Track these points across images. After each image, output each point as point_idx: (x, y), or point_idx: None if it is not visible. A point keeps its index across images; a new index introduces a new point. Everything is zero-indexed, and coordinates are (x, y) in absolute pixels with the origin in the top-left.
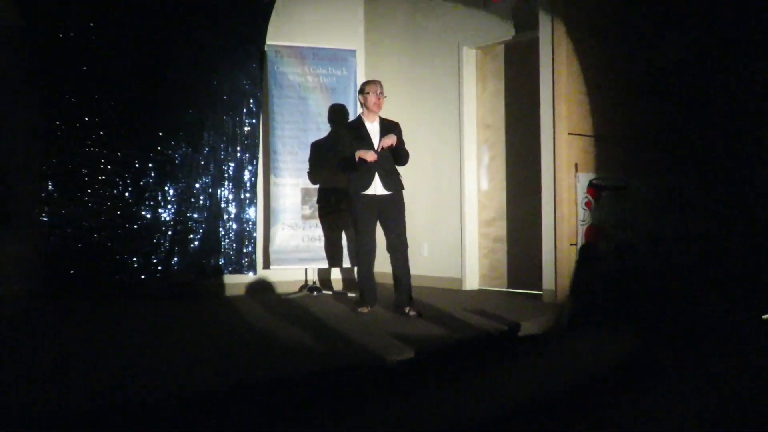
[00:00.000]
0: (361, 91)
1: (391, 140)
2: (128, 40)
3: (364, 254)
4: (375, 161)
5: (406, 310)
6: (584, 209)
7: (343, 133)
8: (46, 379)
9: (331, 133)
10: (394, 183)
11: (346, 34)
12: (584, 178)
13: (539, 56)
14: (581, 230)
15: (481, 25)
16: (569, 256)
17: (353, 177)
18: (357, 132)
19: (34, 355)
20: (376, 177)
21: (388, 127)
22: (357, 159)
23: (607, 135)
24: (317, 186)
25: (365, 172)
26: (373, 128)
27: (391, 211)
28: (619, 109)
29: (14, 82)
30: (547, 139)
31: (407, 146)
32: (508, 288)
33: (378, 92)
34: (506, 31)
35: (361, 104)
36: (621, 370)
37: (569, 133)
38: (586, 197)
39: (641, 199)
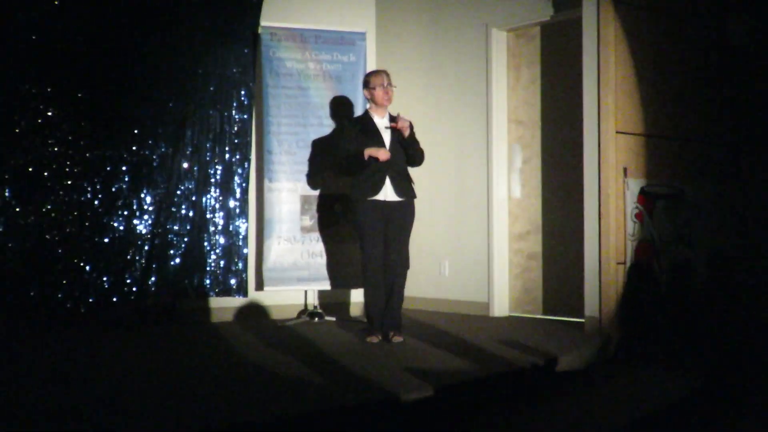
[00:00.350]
0: (366, 85)
1: (404, 122)
2: (99, 20)
3: (371, 272)
4: (387, 161)
5: (391, 335)
6: (634, 221)
7: (348, 128)
8: None
9: (335, 130)
10: (406, 189)
11: (355, 14)
12: (635, 185)
13: (582, 39)
14: (631, 246)
15: (513, 3)
16: (616, 278)
17: (359, 179)
18: (364, 127)
19: None
20: (388, 180)
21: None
22: (366, 158)
23: (663, 134)
24: (318, 192)
25: (374, 174)
26: (382, 124)
27: (399, 221)
28: (677, 103)
29: None
30: (592, 138)
31: (424, 145)
32: (543, 314)
33: (385, 84)
34: (543, 10)
35: (368, 99)
36: (678, 413)
37: (617, 132)
38: (637, 207)
39: (701, 210)
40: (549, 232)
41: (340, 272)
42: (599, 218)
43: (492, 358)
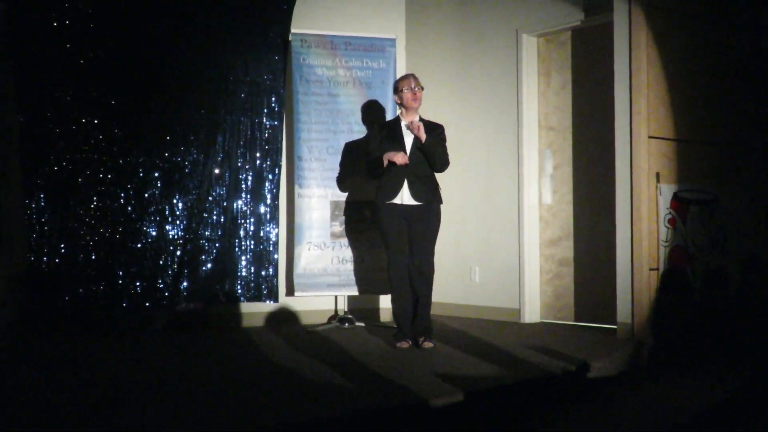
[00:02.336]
0: (395, 90)
1: (416, 126)
2: (132, 29)
3: (395, 277)
4: (405, 165)
5: (421, 341)
6: (667, 227)
7: (375, 133)
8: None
9: (367, 134)
10: (426, 193)
11: (385, 20)
12: (667, 190)
13: (614, 44)
14: (664, 252)
15: (544, 8)
16: (649, 284)
17: (382, 183)
18: (390, 132)
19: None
20: (405, 184)
21: (429, 128)
22: (385, 162)
23: (696, 138)
24: (349, 198)
25: (393, 178)
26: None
27: (421, 225)
28: (710, 107)
29: None
30: (623, 143)
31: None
32: (575, 321)
33: (412, 86)
34: (574, 15)
35: (398, 104)
36: (713, 421)
37: (650, 136)
38: (670, 213)
39: (735, 216)
40: (581, 238)
41: (368, 278)
42: (631, 224)
43: (523, 364)
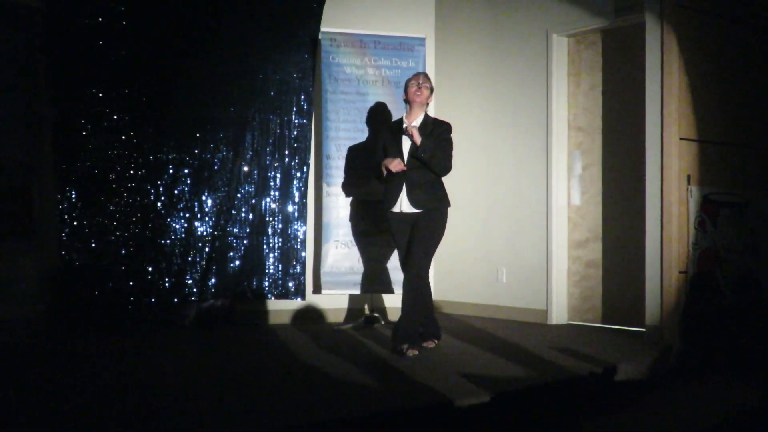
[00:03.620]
0: (404, 88)
1: (412, 130)
2: (164, 27)
3: None
4: (404, 172)
5: (402, 347)
6: (697, 230)
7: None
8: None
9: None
10: (426, 199)
11: (414, 19)
12: (698, 193)
13: (645, 45)
14: (693, 255)
15: (574, 8)
16: (678, 287)
17: (385, 189)
18: (391, 136)
19: (34, 393)
20: (404, 191)
21: (433, 126)
22: (384, 169)
23: (727, 141)
24: (367, 197)
25: (393, 185)
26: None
27: (417, 231)
28: (743, 109)
29: (33, 74)
30: (654, 144)
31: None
32: (602, 323)
33: (420, 81)
34: (605, 15)
35: (405, 101)
36: (741, 429)
37: (681, 138)
38: (701, 215)
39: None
40: (609, 240)
41: (391, 277)
42: (661, 226)
43: (549, 365)
